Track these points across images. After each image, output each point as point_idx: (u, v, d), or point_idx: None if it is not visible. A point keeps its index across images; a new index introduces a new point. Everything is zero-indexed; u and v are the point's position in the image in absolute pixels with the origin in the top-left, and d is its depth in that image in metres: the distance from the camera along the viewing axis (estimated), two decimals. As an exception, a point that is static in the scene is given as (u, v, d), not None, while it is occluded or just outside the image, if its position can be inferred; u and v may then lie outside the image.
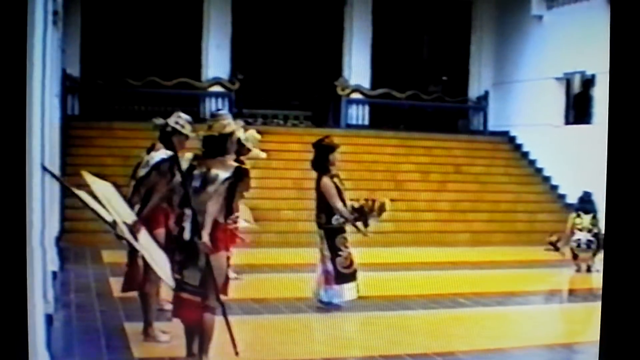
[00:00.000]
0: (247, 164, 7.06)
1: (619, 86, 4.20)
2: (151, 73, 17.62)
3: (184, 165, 6.14)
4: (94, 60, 17.39)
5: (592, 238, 12.04)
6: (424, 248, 12.98)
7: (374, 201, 8.57)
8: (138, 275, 7.05)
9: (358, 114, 18.98)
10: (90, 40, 17.35)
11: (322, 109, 19.30)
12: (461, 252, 13.56)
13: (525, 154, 18.44)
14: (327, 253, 8.57)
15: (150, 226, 6.73)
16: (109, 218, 6.26)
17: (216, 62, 18.15)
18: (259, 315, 8.39)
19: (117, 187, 6.80)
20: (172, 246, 6.21)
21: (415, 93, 19.44)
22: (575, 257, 12.21)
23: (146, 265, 6.70)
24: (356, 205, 8.59)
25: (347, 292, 8.57)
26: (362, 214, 8.54)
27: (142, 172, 7.09)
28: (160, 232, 6.77)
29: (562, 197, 16.86)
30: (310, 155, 8.79)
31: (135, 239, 6.33)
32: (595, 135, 12.87)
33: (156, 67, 17.71)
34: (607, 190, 4.23)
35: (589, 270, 12.06)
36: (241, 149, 8.00)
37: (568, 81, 17.87)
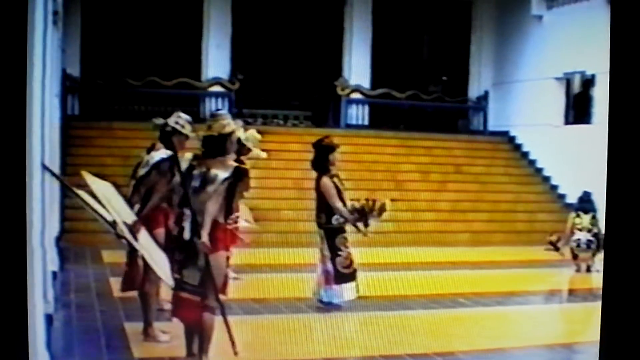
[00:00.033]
0: (247, 164, 7.06)
1: (619, 86, 4.20)
2: (151, 73, 17.61)
3: (184, 165, 6.14)
4: (94, 60, 17.39)
5: (592, 238, 12.04)
6: (424, 248, 12.96)
7: (374, 201, 8.56)
8: (138, 275, 7.06)
9: (358, 114, 18.96)
10: (90, 40, 17.35)
11: (322, 109, 19.29)
12: (461, 252, 13.55)
13: (525, 154, 18.43)
14: (327, 253, 8.57)
15: (150, 226, 6.74)
16: (109, 218, 6.26)
17: (216, 62, 18.14)
18: (259, 315, 8.38)
19: (117, 187, 6.80)
20: (172, 246, 6.21)
21: (415, 93, 19.43)
22: (575, 257, 12.20)
23: (146, 265, 6.70)
24: (356, 205, 8.59)
25: (347, 292, 8.56)
26: (362, 214, 8.53)
27: (142, 172, 7.10)
28: (160, 231, 6.78)
29: (562, 197, 16.85)
30: (310, 155, 8.79)
31: (135, 238, 6.33)
32: (595, 135, 12.88)
33: (156, 67, 17.71)
34: (607, 190, 4.23)
35: (588, 270, 12.06)
36: (241, 149, 7.99)
37: (568, 81, 17.87)
